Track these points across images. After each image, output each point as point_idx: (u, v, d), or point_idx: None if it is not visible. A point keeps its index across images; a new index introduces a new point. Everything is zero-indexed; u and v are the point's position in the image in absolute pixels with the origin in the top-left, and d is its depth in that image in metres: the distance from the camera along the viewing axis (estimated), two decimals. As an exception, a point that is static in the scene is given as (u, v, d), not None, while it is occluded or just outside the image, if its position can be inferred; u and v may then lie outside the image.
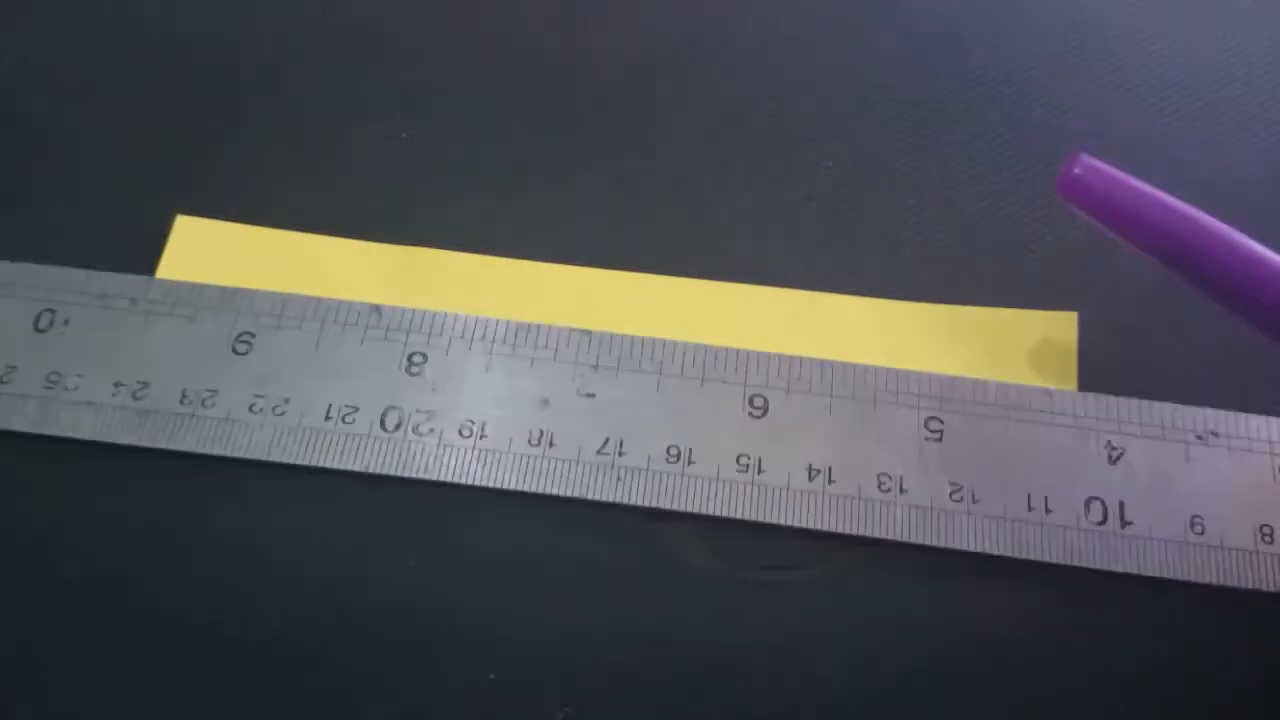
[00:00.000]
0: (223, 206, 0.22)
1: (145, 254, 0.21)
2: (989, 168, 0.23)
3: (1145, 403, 0.20)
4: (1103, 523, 0.19)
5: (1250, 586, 0.18)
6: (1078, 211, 0.18)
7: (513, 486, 0.19)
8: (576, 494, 0.19)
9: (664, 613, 0.18)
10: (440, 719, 0.18)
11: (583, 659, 0.18)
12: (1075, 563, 0.18)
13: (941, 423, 0.20)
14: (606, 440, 0.19)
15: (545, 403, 0.20)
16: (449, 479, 0.19)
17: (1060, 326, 0.21)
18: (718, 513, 0.19)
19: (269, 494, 0.19)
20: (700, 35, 0.25)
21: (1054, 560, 0.18)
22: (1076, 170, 0.18)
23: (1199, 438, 0.19)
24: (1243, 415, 0.20)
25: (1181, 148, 0.23)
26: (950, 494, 0.19)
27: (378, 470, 0.19)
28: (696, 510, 0.19)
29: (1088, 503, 0.19)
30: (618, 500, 0.19)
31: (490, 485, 0.19)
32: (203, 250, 0.22)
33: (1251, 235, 0.22)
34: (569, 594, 0.19)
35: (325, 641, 0.18)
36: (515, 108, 0.24)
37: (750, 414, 0.20)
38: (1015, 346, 0.21)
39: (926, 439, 0.19)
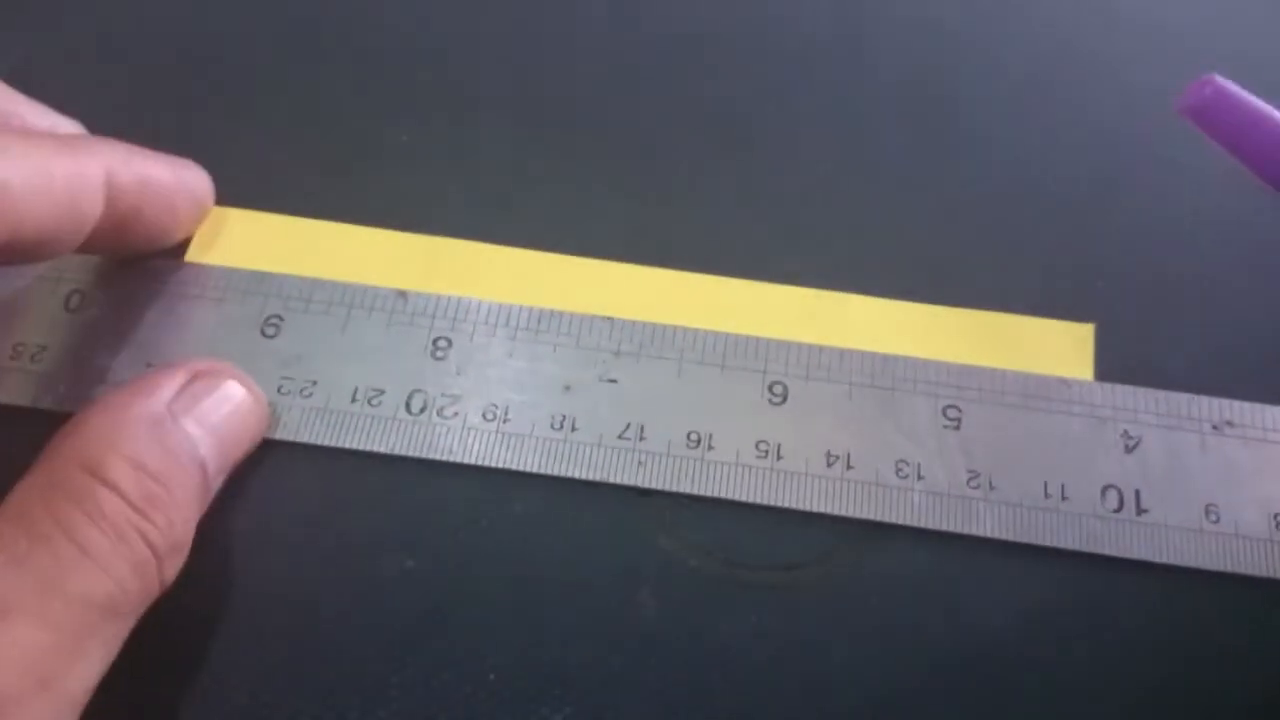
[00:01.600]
0: (237, 202, 0.22)
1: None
2: (989, 169, 0.23)
3: (1161, 393, 0.20)
4: (1119, 510, 0.19)
5: (1264, 574, 0.18)
6: (1201, 132, 0.17)
7: (535, 470, 0.19)
8: (598, 478, 0.19)
9: (665, 613, 0.18)
10: (440, 719, 0.17)
11: (583, 659, 0.18)
12: (1091, 550, 0.18)
13: (960, 411, 0.19)
14: (628, 425, 0.19)
15: (567, 388, 0.20)
16: (472, 461, 0.19)
17: (1077, 337, 0.21)
18: (737, 498, 0.19)
19: (294, 474, 0.19)
20: (702, 36, 0.25)
21: (1070, 547, 0.18)
22: (1208, 91, 0.17)
23: (1215, 427, 0.19)
24: (1259, 405, 0.19)
25: (1183, 148, 0.23)
26: (967, 481, 0.19)
27: (402, 452, 0.19)
28: (716, 495, 0.19)
29: (1104, 490, 0.19)
30: (638, 484, 0.19)
31: (513, 468, 0.19)
32: (229, 237, 0.21)
33: (1247, 231, 0.22)
34: (570, 593, 0.18)
35: (325, 641, 0.18)
36: (516, 111, 0.24)
37: (770, 400, 0.20)
38: (1030, 355, 0.20)
39: (944, 426, 0.19)
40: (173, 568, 0.16)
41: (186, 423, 0.17)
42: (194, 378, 0.18)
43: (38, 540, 0.15)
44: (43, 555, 0.15)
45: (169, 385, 0.17)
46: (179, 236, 0.21)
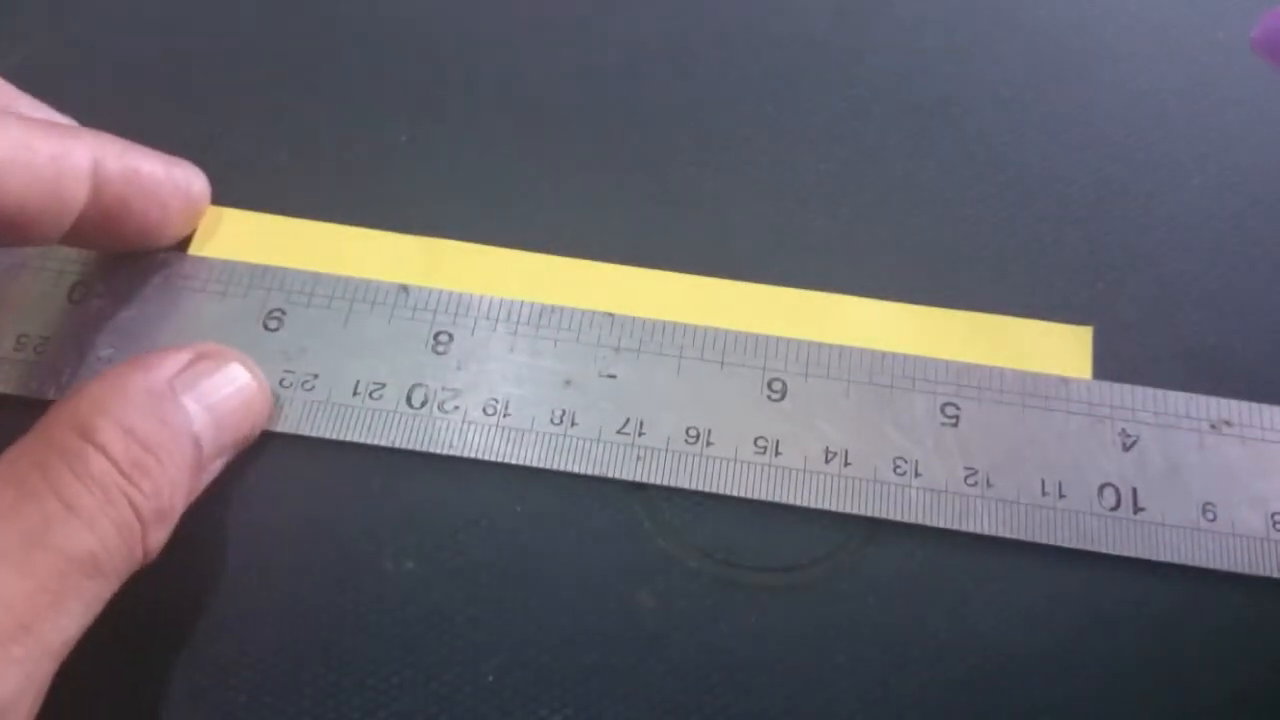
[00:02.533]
0: (232, 203, 0.22)
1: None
2: (987, 169, 0.23)
3: (1159, 391, 0.19)
4: (1115, 508, 0.18)
5: (1261, 573, 0.18)
6: (1274, 65, 0.17)
7: (535, 464, 0.19)
8: (597, 473, 0.19)
9: (665, 613, 0.18)
10: (440, 719, 0.17)
11: (583, 659, 0.18)
12: (1088, 548, 0.18)
13: (958, 408, 0.19)
14: (627, 421, 0.19)
15: (567, 383, 0.20)
16: (472, 455, 0.19)
17: (1075, 339, 0.20)
18: (735, 493, 0.18)
19: (295, 469, 0.19)
20: (703, 36, 0.25)
21: (1067, 545, 0.18)
22: None
23: (1213, 426, 0.19)
24: (1257, 405, 0.19)
25: (1182, 149, 0.23)
26: (965, 478, 0.19)
27: (403, 446, 0.19)
28: (714, 490, 0.19)
29: (1101, 489, 0.18)
30: (638, 479, 0.19)
31: (513, 462, 0.19)
32: (229, 238, 0.21)
33: (1245, 232, 0.22)
34: (570, 594, 0.18)
35: (325, 641, 0.18)
36: (516, 112, 0.23)
37: (769, 397, 0.19)
38: (1028, 357, 0.20)
39: (942, 424, 0.19)
40: (157, 538, 0.16)
41: (185, 398, 0.17)
42: (198, 357, 0.18)
43: (25, 495, 0.15)
44: (29, 509, 0.15)
45: (172, 362, 0.17)
46: (171, 234, 0.20)
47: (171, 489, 0.16)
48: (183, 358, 0.18)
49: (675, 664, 0.17)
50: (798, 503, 0.18)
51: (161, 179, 0.19)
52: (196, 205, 0.21)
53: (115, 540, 0.15)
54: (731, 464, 0.19)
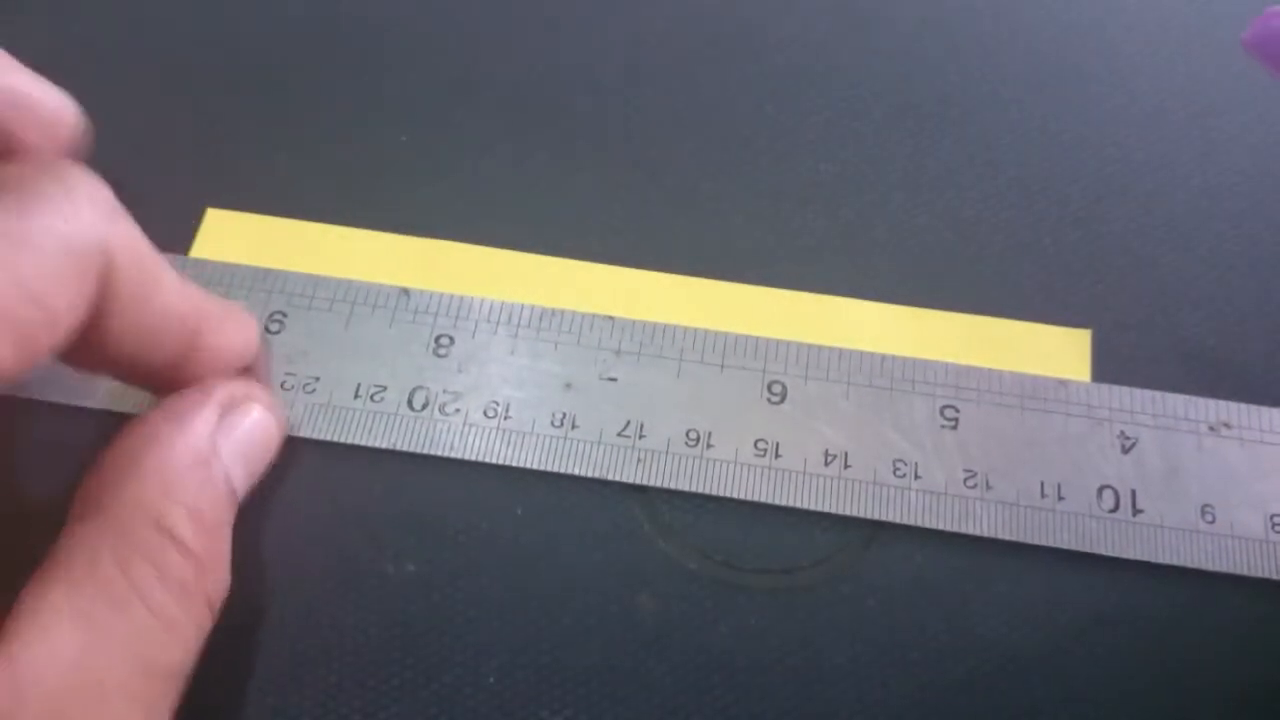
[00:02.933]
0: (234, 205, 0.22)
1: (169, 248, 0.21)
2: (987, 170, 0.23)
3: (1158, 394, 0.19)
4: (1114, 510, 0.18)
5: (1260, 575, 0.18)
6: (1266, 66, 0.17)
7: (535, 466, 0.19)
8: (597, 475, 0.19)
9: (665, 614, 0.18)
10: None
11: (583, 661, 0.18)
12: (1087, 549, 0.18)
13: (957, 411, 0.19)
14: (627, 423, 0.19)
15: (568, 386, 0.20)
16: (473, 458, 0.19)
17: (1074, 342, 0.20)
18: (735, 496, 0.18)
19: (297, 471, 0.19)
20: (702, 38, 0.25)
21: (1066, 547, 0.18)
22: (1275, 24, 0.16)
23: (1211, 429, 0.19)
24: (1256, 407, 0.19)
25: (1182, 149, 0.23)
26: (964, 480, 0.19)
27: (404, 448, 0.19)
28: (714, 493, 0.19)
29: (1100, 491, 0.19)
30: (638, 481, 0.19)
31: (513, 465, 0.19)
32: (232, 240, 0.21)
33: (1245, 233, 0.22)
34: (570, 596, 0.18)
35: (326, 642, 0.18)
36: (515, 114, 0.23)
37: (769, 400, 0.19)
38: (1027, 360, 0.20)
39: (942, 426, 0.19)
40: (216, 613, 0.16)
41: (224, 455, 0.17)
42: (228, 406, 0.17)
43: (118, 608, 0.14)
44: (124, 626, 0.14)
45: (207, 416, 0.17)
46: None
47: (228, 561, 0.16)
48: (213, 409, 0.17)
49: (675, 665, 0.18)
50: (798, 505, 0.18)
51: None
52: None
53: (196, 641, 0.15)
54: (731, 466, 0.19)
